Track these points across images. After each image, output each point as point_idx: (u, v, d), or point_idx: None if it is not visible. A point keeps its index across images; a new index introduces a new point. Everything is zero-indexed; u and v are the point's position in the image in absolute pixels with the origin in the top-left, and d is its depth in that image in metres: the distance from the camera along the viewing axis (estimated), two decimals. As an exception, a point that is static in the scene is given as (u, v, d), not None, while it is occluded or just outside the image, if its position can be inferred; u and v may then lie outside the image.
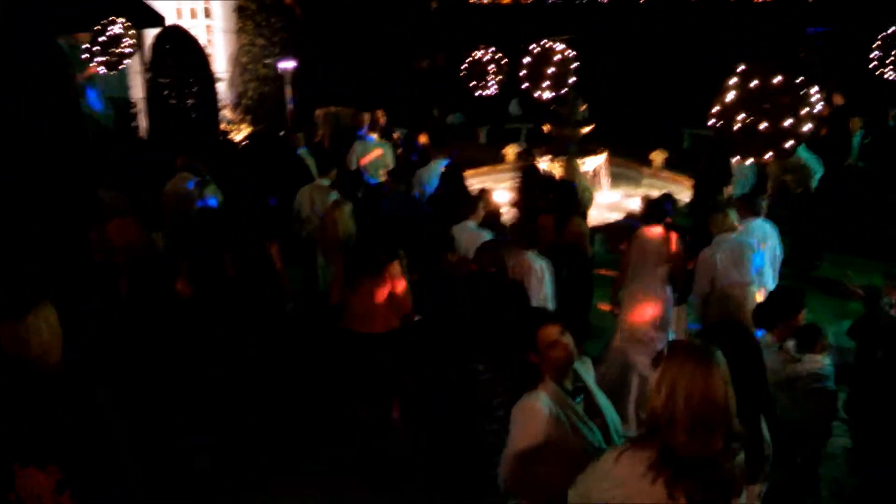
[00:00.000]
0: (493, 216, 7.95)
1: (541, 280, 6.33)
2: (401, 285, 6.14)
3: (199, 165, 9.25)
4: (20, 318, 3.40)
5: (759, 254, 7.70)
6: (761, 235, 7.44)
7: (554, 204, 7.84)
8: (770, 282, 7.34)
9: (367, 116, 12.31)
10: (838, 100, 12.12)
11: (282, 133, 14.72)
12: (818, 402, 5.22)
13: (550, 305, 6.29)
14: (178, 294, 6.52)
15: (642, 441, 2.86)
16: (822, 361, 5.29)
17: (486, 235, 6.94)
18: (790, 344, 5.31)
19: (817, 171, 10.07)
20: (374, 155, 11.20)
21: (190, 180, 8.91)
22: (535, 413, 3.55)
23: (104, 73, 13.82)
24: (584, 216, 8.37)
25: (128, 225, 7.31)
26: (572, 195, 8.11)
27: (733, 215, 7.14)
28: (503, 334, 4.22)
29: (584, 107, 13.47)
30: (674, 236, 7.04)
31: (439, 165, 9.80)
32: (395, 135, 13.61)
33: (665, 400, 2.74)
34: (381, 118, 13.11)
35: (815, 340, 5.31)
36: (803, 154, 9.80)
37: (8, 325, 3.39)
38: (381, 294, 6.06)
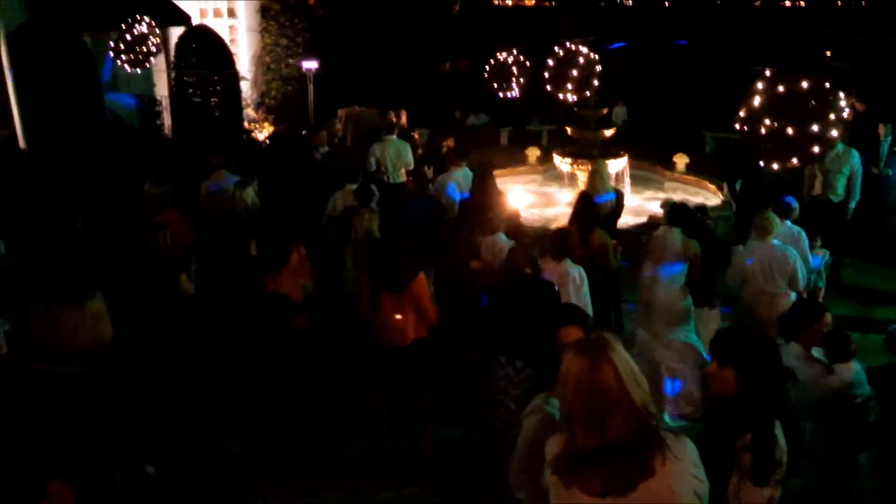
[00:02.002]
0: (515, 224, 7.97)
1: (578, 288, 6.36)
2: (426, 298, 6.11)
3: (237, 164, 9.28)
4: (79, 304, 3.36)
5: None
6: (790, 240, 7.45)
7: (576, 216, 7.86)
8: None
9: (390, 117, 12.32)
10: (859, 106, 12.01)
11: (304, 132, 14.79)
12: (853, 410, 5.14)
13: (589, 312, 6.32)
14: (183, 291, 6.59)
15: (564, 433, 2.91)
16: (852, 368, 5.22)
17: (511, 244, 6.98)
18: (818, 354, 5.27)
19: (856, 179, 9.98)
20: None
21: (229, 179, 8.94)
22: (543, 417, 3.61)
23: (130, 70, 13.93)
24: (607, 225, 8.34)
25: (175, 218, 7.42)
26: (592, 206, 8.13)
27: (773, 220, 7.16)
28: (531, 332, 4.23)
29: (605, 110, 13.43)
30: (692, 241, 7.11)
31: (459, 173, 9.74)
32: (416, 135, 13.62)
33: (563, 395, 2.79)
34: (403, 119, 13.11)
35: (846, 348, 5.23)
36: (855, 161, 9.79)
37: (67, 311, 3.35)
38: (407, 308, 6.03)
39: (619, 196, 9.42)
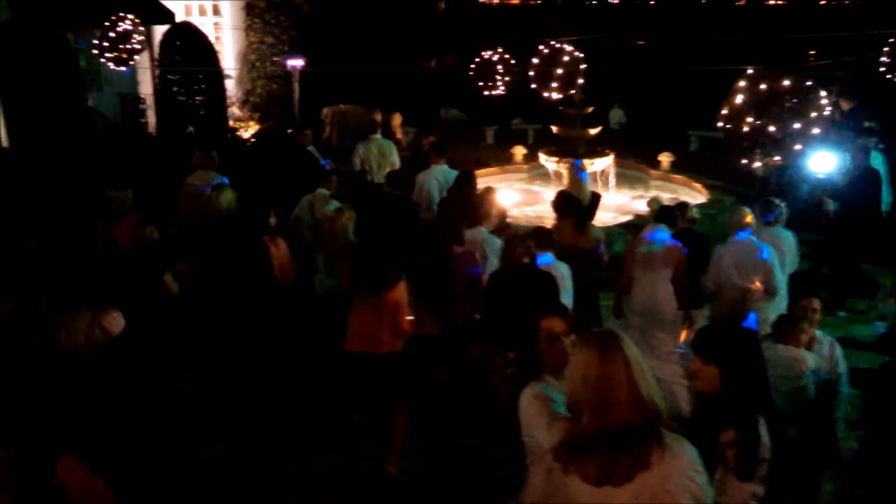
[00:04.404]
0: (501, 222, 7.95)
1: (563, 284, 6.30)
2: (403, 307, 5.99)
3: (216, 162, 9.18)
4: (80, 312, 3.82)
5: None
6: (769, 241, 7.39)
7: (567, 212, 7.87)
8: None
9: (378, 117, 12.27)
10: (845, 104, 12.08)
11: (290, 131, 14.73)
12: (789, 398, 5.04)
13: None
14: (167, 290, 6.53)
15: (566, 420, 3.07)
16: (799, 354, 5.17)
17: (498, 241, 6.94)
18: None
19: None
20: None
21: (211, 178, 8.83)
22: (531, 403, 3.59)
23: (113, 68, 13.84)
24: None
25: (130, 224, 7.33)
26: (577, 203, 8.12)
27: (746, 214, 7.13)
28: (519, 322, 4.24)
29: (591, 109, 13.44)
30: (678, 244, 7.07)
31: (439, 170, 9.66)
32: (400, 136, 13.58)
33: (571, 384, 2.96)
34: (397, 121, 13.05)
35: (788, 330, 5.23)
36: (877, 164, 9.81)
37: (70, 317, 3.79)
38: (383, 315, 5.93)
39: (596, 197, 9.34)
